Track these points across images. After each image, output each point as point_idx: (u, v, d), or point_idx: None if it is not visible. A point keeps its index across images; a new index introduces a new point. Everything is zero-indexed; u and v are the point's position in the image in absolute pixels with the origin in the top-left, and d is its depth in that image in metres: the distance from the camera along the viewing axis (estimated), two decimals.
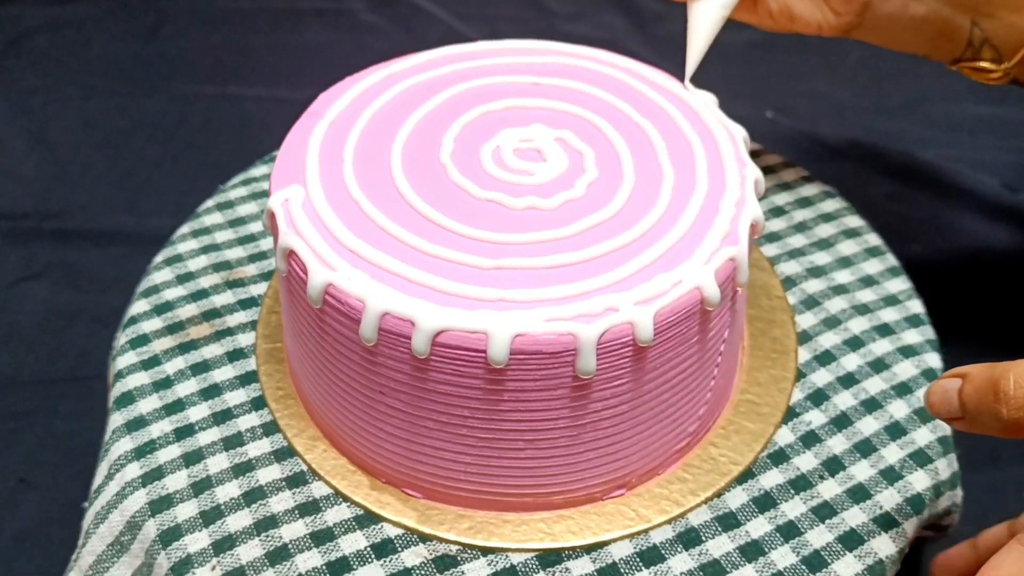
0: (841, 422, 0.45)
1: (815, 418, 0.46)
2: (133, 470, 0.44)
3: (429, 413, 0.39)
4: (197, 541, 0.41)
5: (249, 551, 0.40)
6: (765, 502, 0.42)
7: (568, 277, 0.38)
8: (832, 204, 0.57)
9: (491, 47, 0.50)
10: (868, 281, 0.52)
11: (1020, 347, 0.65)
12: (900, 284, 0.52)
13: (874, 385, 0.47)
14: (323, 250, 0.39)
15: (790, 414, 0.46)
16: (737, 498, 0.42)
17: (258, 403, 0.46)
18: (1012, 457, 0.57)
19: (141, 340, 0.49)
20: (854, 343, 0.49)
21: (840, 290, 0.51)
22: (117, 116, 0.84)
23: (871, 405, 0.46)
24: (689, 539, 0.41)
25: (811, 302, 0.50)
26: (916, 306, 0.51)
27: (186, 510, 0.42)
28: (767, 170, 0.58)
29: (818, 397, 0.47)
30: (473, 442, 0.40)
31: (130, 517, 0.42)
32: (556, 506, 0.42)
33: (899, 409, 0.46)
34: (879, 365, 0.48)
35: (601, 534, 0.41)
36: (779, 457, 0.44)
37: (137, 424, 0.45)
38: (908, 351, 0.48)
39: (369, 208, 0.41)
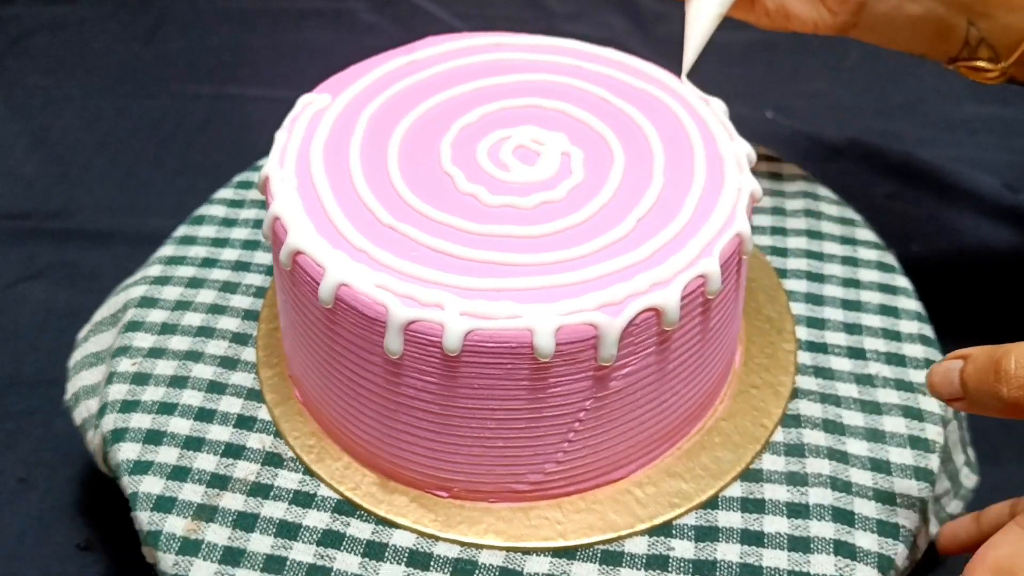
0: (704, 569, 0.40)
1: (681, 548, 0.40)
2: (156, 270, 0.52)
3: (299, 327, 0.42)
4: (143, 340, 0.48)
5: (164, 367, 0.47)
6: None
7: (446, 266, 0.38)
8: (921, 347, 0.49)
9: (548, 44, 0.51)
10: (879, 436, 0.45)
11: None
12: (935, 432, 0.45)
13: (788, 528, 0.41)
14: (291, 153, 0.43)
15: (661, 531, 0.41)
16: (537, 566, 0.40)
17: (271, 271, 0.51)
18: (1012, 457, 0.57)
19: (237, 203, 0.56)
20: (814, 481, 0.42)
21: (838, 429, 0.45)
22: (117, 116, 0.84)
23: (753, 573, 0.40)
24: (459, 569, 0.40)
25: (789, 421, 0.45)
26: (932, 463, 0.44)
27: (156, 316, 0.49)
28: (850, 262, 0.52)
29: (707, 534, 0.41)
30: (322, 372, 0.42)
31: (126, 301, 0.51)
32: (385, 472, 0.42)
33: (823, 564, 0.40)
34: (840, 516, 0.41)
35: (392, 515, 0.41)
36: (609, 558, 0.40)
37: (185, 242, 0.54)
38: (884, 493, 0.42)
39: (354, 142, 0.44)
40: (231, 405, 0.45)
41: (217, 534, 0.40)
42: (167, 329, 0.49)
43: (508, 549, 0.40)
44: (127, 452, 0.43)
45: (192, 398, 0.46)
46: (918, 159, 0.77)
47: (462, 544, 0.40)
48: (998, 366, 0.34)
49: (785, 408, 0.45)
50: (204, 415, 0.45)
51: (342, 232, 0.40)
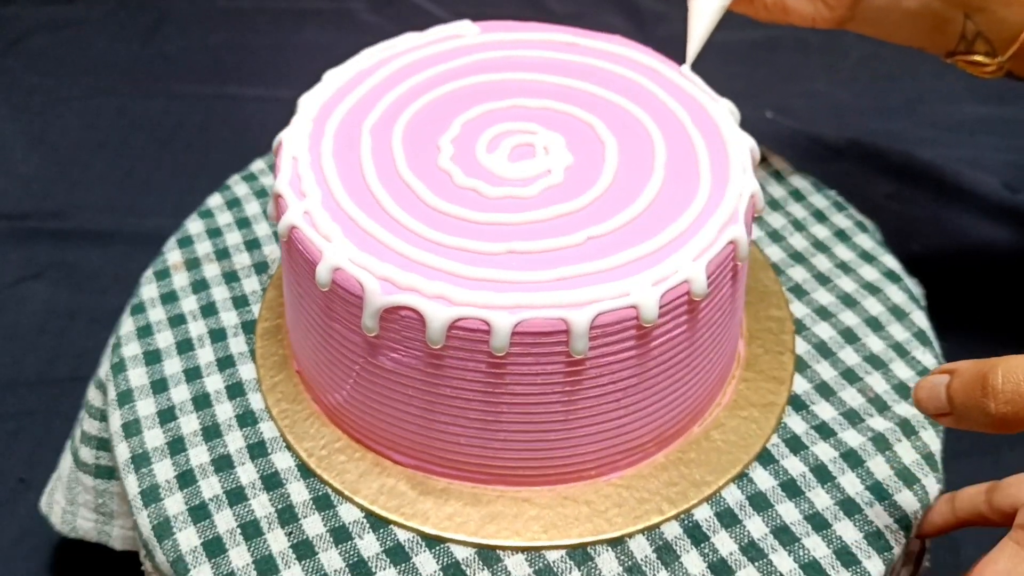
0: None
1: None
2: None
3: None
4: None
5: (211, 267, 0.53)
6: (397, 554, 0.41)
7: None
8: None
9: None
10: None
11: (1020, 346, 0.65)
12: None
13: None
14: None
15: (378, 523, 0.41)
16: (283, 461, 0.43)
17: None
18: (1011, 452, 0.57)
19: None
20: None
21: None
22: (117, 116, 0.84)
23: None
24: (243, 418, 0.45)
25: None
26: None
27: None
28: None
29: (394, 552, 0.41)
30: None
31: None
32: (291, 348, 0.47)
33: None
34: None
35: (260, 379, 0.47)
36: (323, 501, 0.42)
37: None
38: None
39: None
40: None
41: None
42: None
43: (284, 429, 0.44)
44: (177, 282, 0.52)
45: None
46: (918, 159, 0.77)
47: (272, 418, 0.45)
48: (985, 381, 0.33)
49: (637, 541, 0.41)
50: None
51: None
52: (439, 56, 0.49)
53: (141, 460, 0.43)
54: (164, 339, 0.48)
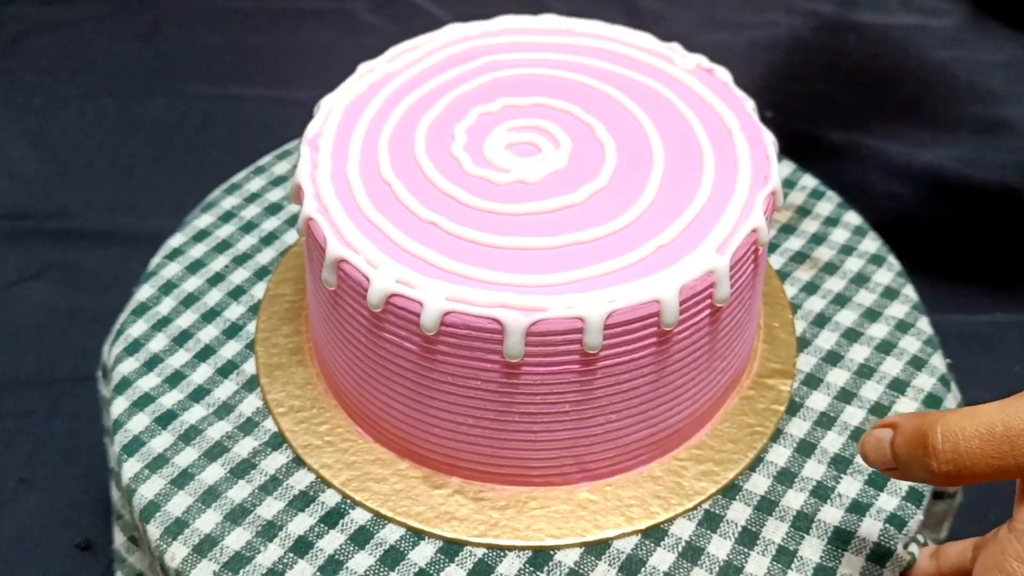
0: None
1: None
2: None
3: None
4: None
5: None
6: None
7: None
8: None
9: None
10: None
11: (1021, 351, 0.65)
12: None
13: None
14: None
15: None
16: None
17: None
18: None
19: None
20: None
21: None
22: (117, 116, 0.84)
23: None
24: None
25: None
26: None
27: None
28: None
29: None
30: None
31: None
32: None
33: None
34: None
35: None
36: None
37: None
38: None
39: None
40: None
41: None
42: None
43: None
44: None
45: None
46: (918, 159, 0.78)
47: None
48: (925, 440, 0.33)
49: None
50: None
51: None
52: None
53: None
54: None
